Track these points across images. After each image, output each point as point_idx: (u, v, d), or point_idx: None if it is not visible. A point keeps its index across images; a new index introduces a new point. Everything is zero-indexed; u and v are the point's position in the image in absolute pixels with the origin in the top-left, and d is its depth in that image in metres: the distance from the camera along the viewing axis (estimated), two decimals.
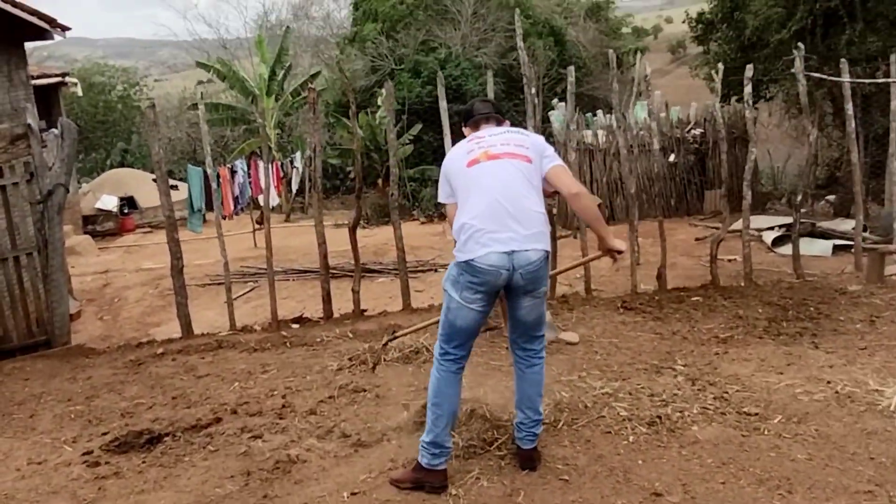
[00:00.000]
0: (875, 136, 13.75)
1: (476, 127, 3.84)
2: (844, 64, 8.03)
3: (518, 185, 3.48)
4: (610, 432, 4.09)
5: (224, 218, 13.12)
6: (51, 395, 5.59)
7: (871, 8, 12.53)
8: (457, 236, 3.51)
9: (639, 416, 4.25)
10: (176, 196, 16.21)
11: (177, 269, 7.05)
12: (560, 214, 13.44)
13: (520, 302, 3.53)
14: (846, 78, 7.87)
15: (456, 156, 3.69)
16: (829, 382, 4.64)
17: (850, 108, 8.06)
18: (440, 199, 3.78)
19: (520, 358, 3.71)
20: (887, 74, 10.95)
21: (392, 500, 3.49)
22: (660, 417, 4.20)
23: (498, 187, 3.46)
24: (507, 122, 3.92)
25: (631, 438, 3.99)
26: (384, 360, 5.65)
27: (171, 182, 20.38)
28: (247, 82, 23.05)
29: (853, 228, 10.59)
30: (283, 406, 4.88)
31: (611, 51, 7.97)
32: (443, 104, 7.48)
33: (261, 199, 15.16)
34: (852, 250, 9.70)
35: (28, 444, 4.60)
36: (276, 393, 5.20)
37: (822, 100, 13.95)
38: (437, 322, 3.91)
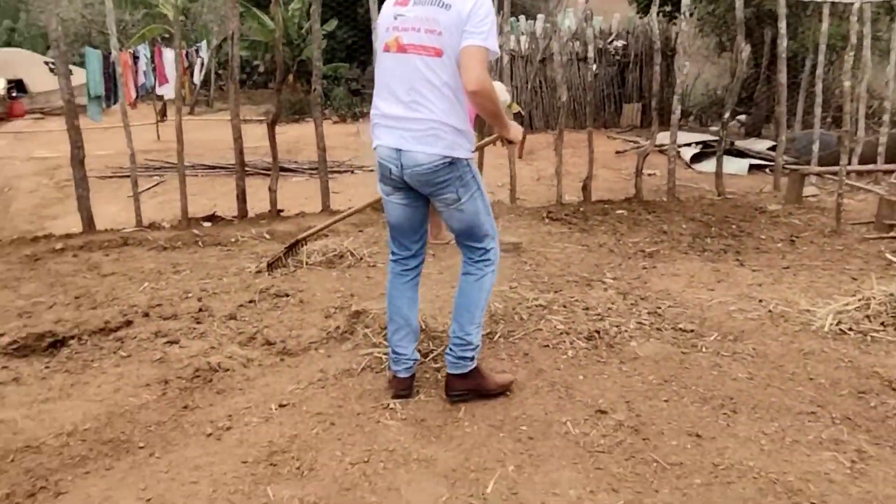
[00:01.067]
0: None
1: None
2: None
3: (421, 82, 3.08)
4: (548, 346, 3.97)
5: (130, 106, 12.27)
6: None
7: None
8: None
9: (576, 329, 4.14)
10: (74, 81, 15.08)
11: (77, 160, 6.47)
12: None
13: (435, 204, 3.25)
14: None
15: (380, 25, 3.27)
16: (760, 301, 4.64)
17: (783, 26, 7.98)
18: None
19: (462, 262, 3.41)
20: None
21: (324, 413, 3.28)
22: (598, 332, 4.10)
23: (397, 82, 3.13)
24: None
25: (570, 353, 3.88)
26: (306, 263, 5.38)
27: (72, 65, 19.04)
28: None
29: (768, 149, 10.77)
30: (200, 309, 4.56)
31: None
32: None
33: (161, 89, 14.28)
34: (767, 170, 9.86)
35: None
36: (191, 295, 4.86)
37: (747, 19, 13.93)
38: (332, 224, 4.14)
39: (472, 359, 3.33)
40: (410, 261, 3.44)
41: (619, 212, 7.25)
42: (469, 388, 3.37)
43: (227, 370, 3.74)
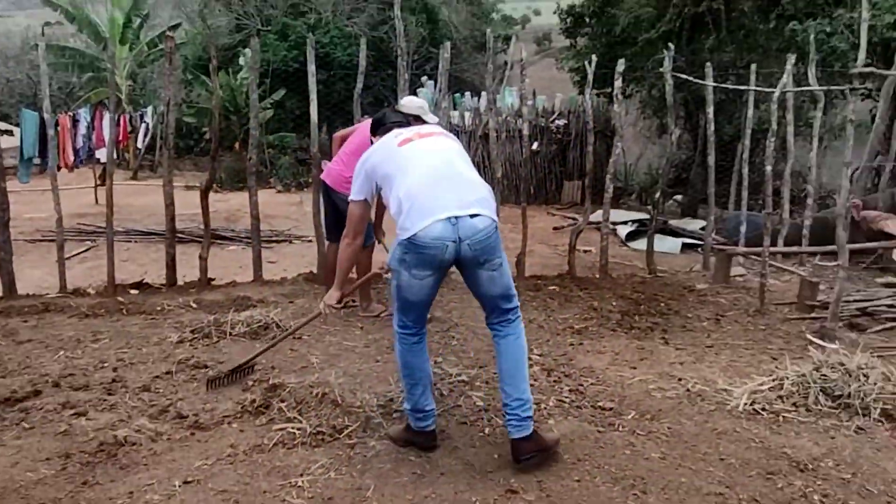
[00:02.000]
0: (720, 143, 14.37)
1: (387, 133, 3.74)
2: (709, 68, 8.23)
3: (456, 157, 3.47)
4: (465, 423, 3.93)
5: (61, 169, 12.11)
6: None
7: (733, 19, 13.03)
8: (396, 216, 3.37)
9: (495, 406, 4.11)
10: (10, 142, 14.90)
11: (1, 222, 6.35)
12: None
13: (476, 276, 3.37)
14: (710, 82, 8.07)
15: (382, 144, 3.62)
16: (680, 380, 4.69)
17: (710, 111, 8.29)
18: (352, 196, 3.64)
19: (493, 332, 3.55)
20: (737, 82, 11.43)
21: (229, 491, 3.19)
22: None
23: (436, 157, 3.43)
24: None
25: (487, 430, 3.85)
26: (229, 334, 5.29)
27: (6, 126, 18.82)
28: (99, 27, 21.56)
29: (701, 228, 11.04)
30: (114, 380, 4.44)
31: (488, 31, 7.82)
32: (311, 68, 7.10)
33: (100, 153, 14.16)
34: (699, 249, 10.08)
35: None
36: (106, 365, 4.74)
37: (679, 103, 14.43)
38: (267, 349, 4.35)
39: (532, 417, 3.42)
40: (424, 327, 3.59)
41: (552, 288, 7.32)
42: (537, 448, 3.41)
43: (134, 444, 3.63)
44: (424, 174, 3.34)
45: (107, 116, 14.04)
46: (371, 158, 3.58)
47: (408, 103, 5.92)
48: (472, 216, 3.23)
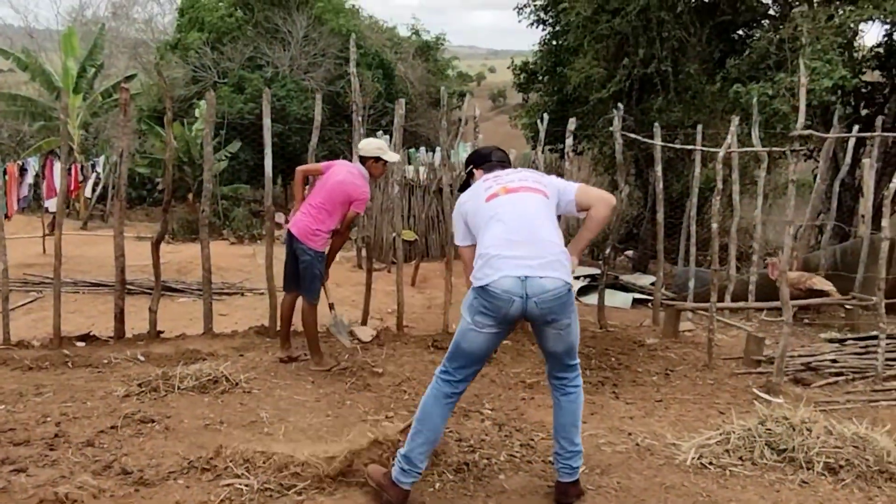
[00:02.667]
0: (669, 199, 14.71)
1: (489, 171, 3.90)
2: (657, 128, 8.48)
3: (535, 216, 3.56)
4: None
5: (7, 218, 11.90)
6: None
7: (680, 80, 13.43)
8: (474, 266, 3.54)
9: (446, 461, 4.11)
10: None
11: None
12: (375, 247, 13.35)
13: (543, 333, 3.52)
14: (658, 141, 8.30)
15: (473, 194, 3.78)
16: (630, 434, 4.73)
17: (659, 169, 8.50)
18: (457, 242, 3.83)
19: (554, 387, 3.72)
20: (685, 142, 11.75)
21: None
22: (467, 464, 4.08)
23: (515, 217, 3.55)
24: None
25: (437, 486, 3.84)
26: (178, 388, 5.20)
27: None
28: (52, 76, 21.44)
29: (651, 284, 11.21)
30: (56, 435, 4.33)
31: (443, 88, 7.98)
32: (266, 122, 7.16)
33: (49, 202, 13.97)
34: (649, 304, 10.22)
35: None
36: (48, 419, 4.62)
37: (629, 161, 14.75)
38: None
39: (580, 465, 3.71)
40: (463, 384, 3.62)
41: (504, 342, 7.34)
42: (578, 493, 3.72)
43: (75, 501, 3.53)
44: (503, 233, 3.50)
45: (57, 166, 13.90)
46: (464, 206, 3.79)
47: (366, 145, 6.06)
48: (541, 276, 3.37)
